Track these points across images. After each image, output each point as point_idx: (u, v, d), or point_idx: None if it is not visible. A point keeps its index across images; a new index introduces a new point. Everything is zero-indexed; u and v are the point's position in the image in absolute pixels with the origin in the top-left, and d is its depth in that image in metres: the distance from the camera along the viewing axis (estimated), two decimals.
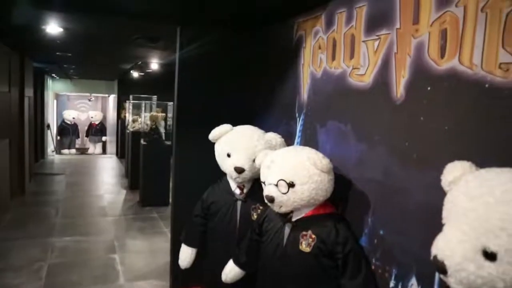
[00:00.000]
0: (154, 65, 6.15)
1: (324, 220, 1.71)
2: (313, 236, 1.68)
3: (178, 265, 2.50)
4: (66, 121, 13.10)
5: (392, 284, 1.64)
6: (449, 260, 0.90)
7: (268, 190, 1.68)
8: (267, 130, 2.26)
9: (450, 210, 0.96)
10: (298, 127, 2.24)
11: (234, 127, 2.19)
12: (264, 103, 2.60)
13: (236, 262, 2.05)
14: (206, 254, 2.32)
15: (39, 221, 4.45)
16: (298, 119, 2.25)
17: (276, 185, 1.65)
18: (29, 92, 6.28)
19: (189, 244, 2.33)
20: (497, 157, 1.14)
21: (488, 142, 1.22)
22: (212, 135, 2.18)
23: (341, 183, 1.86)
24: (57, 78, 10.91)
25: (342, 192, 1.87)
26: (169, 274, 2.93)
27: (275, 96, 2.49)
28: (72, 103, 14.02)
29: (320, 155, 1.67)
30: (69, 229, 4.21)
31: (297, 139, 2.26)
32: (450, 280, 0.91)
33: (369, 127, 1.74)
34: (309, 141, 2.14)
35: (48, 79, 9.92)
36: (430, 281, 1.47)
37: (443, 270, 0.91)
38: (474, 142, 1.28)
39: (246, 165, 2.05)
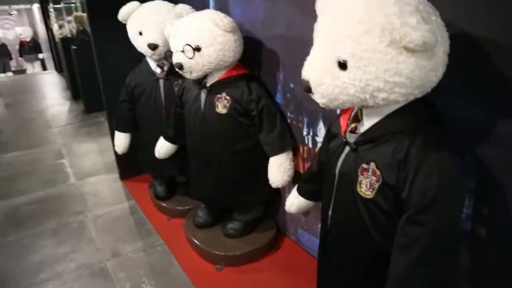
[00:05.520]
0: None
1: (237, 81, 1.76)
2: (228, 97, 1.75)
3: (123, 157, 2.58)
4: None
5: (305, 132, 1.78)
6: (312, 77, 0.97)
7: (175, 58, 1.68)
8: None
9: (315, 34, 1.01)
10: None
11: (143, 4, 2.09)
12: None
13: (165, 137, 2.13)
14: (140, 138, 2.39)
15: None
16: None
17: (183, 51, 1.64)
18: None
19: (120, 130, 2.38)
20: None
21: None
22: (121, 15, 2.08)
23: (254, 44, 1.88)
24: None
25: (255, 53, 1.91)
26: (116, 167, 3.03)
27: None
28: None
29: (221, 14, 1.65)
30: (13, 146, 4.11)
31: (211, 9, 2.19)
32: (316, 96, 1.00)
33: None
34: (222, 9, 2.08)
35: None
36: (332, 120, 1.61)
37: (308, 88, 0.99)
38: None
39: (159, 40, 2.01)
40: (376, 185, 0.98)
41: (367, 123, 1.04)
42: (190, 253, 2.09)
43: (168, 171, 2.40)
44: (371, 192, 0.99)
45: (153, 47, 2.02)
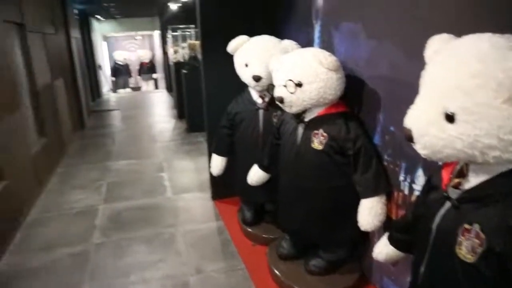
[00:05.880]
0: None
1: (335, 119, 1.77)
2: (325, 134, 1.75)
3: (217, 178, 2.72)
4: (118, 62, 13.59)
5: (401, 177, 1.70)
6: (415, 126, 0.94)
7: (277, 91, 1.75)
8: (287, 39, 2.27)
9: (423, 83, 0.98)
10: (316, 34, 2.22)
11: (251, 38, 2.23)
12: (284, 13, 2.56)
13: (260, 166, 2.20)
14: (235, 163, 2.50)
15: (98, 149, 4.91)
16: (315, 25, 2.23)
17: (285, 85, 1.71)
18: (75, 33, 6.55)
19: (218, 153, 2.52)
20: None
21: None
22: (230, 48, 2.24)
23: (355, 83, 1.88)
24: (102, 19, 11.18)
25: (357, 92, 1.89)
26: (210, 187, 3.20)
27: (294, 4, 2.45)
28: (120, 44, 14.41)
29: (326, 53, 1.69)
30: (123, 155, 4.62)
31: (316, 47, 2.25)
32: (417, 146, 0.96)
33: (379, 22, 1.70)
34: (327, 47, 2.12)
35: (93, 21, 10.21)
36: (433, 170, 1.51)
37: (410, 137, 0.96)
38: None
39: (263, 73, 2.11)
40: (479, 250, 0.89)
41: (473, 180, 0.97)
42: (270, 283, 2.09)
43: (258, 198, 2.47)
44: (472, 256, 0.91)
45: (257, 78, 2.13)
